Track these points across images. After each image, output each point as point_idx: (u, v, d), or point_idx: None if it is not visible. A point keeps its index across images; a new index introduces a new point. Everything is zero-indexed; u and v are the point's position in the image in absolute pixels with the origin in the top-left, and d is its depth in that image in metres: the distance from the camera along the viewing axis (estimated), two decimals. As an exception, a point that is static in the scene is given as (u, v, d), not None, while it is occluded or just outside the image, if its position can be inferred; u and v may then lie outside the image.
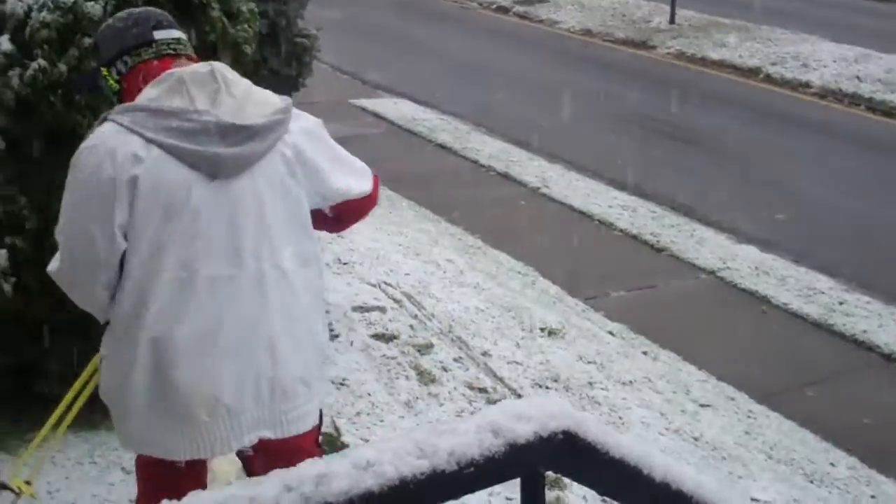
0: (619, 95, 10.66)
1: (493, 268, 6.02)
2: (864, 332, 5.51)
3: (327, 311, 2.43)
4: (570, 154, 8.46)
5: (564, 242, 6.64)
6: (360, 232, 6.25)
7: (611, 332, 5.25)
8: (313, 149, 2.29)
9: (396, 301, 5.18)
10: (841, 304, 5.84)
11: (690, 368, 4.99)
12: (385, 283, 5.39)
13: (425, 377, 4.45)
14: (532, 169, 8.09)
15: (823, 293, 5.96)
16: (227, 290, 2.15)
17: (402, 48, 12.50)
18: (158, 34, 2.31)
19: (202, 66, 2.22)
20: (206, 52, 3.57)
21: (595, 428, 0.77)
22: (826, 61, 11.76)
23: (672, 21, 13.82)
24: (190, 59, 2.33)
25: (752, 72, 11.75)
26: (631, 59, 12.62)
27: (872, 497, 4.14)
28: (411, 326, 4.91)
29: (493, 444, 0.74)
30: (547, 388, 4.42)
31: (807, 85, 11.15)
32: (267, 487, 0.63)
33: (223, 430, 2.19)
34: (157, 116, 2.13)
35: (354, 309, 4.95)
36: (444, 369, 4.54)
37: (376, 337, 4.75)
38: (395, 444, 0.71)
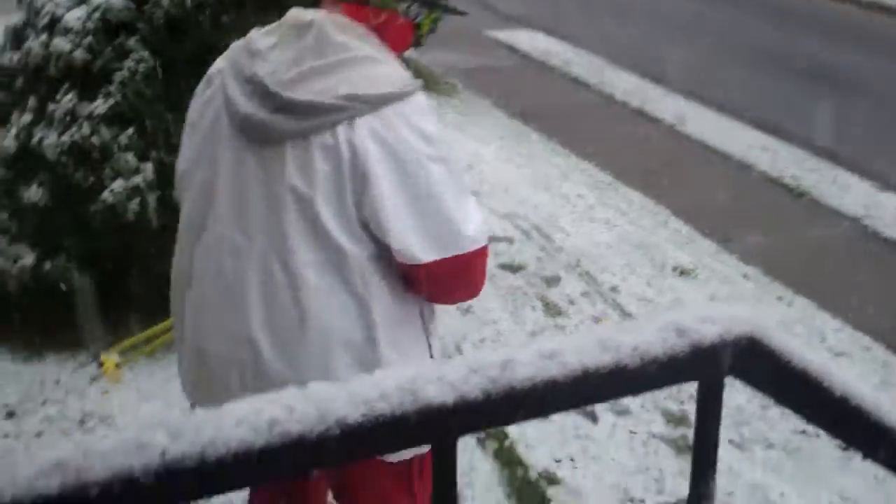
0: (758, 29, 10.26)
1: (625, 205, 5.92)
2: None
3: None
4: (707, 91, 8.21)
5: (699, 182, 6.47)
6: (488, 163, 6.24)
7: (745, 276, 5.11)
8: (385, 169, 1.75)
9: (525, 232, 5.16)
10: None
11: (825, 316, 4.83)
12: (514, 214, 5.38)
13: (552, 309, 4.43)
14: (667, 105, 7.89)
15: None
16: (227, 255, 1.86)
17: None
18: None
19: (310, 14, 1.84)
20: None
21: (779, 335, 0.75)
22: None
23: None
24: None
25: (908, 11, 11.14)
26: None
27: None
28: (539, 259, 4.89)
29: (678, 344, 0.73)
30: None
31: (968, 27, 10.51)
32: (452, 368, 0.64)
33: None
34: (234, 50, 1.93)
35: (484, 238, 4.96)
36: (571, 302, 4.52)
37: (503, 267, 4.75)
38: (578, 338, 0.70)
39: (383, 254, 1.82)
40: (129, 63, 3.65)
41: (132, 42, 3.67)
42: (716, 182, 6.47)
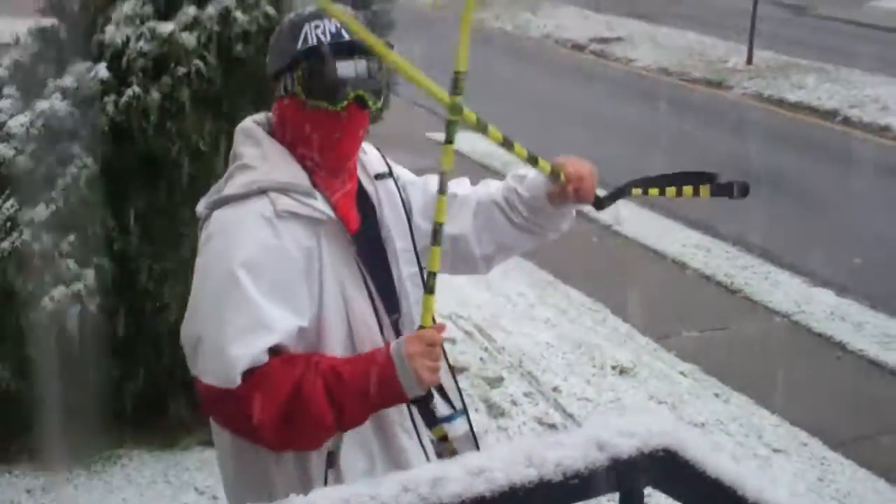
0: (695, 135, 10.62)
1: (565, 303, 6.02)
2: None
3: None
4: (643, 192, 8.43)
5: (636, 280, 6.61)
6: (432, 263, 6.32)
7: (682, 373, 5.20)
8: None
9: (467, 333, 5.21)
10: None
11: (763, 412, 4.92)
12: (456, 314, 5.43)
13: (494, 410, 4.46)
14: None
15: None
16: None
17: (479, 83, 12.53)
18: None
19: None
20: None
21: (695, 446, 0.80)
22: (907, 105, 11.58)
23: (749, 62, 13.73)
24: None
25: (830, 114, 11.60)
26: (707, 98, 12.56)
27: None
28: (481, 359, 4.94)
29: (598, 458, 0.77)
30: (617, 425, 4.40)
31: (886, 129, 10.96)
32: (386, 487, 0.67)
33: None
34: None
35: (426, 339, 4.99)
36: (514, 403, 4.55)
37: (447, 368, 4.78)
38: (504, 452, 0.75)
39: None
40: (71, 169, 3.68)
41: (76, 148, 3.70)
42: (652, 280, 6.62)
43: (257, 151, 1.93)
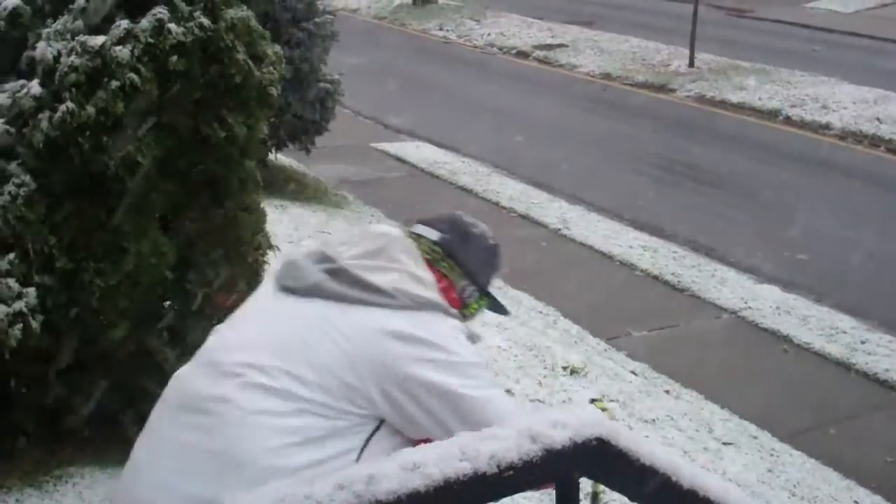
0: (640, 138, 10.74)
1: (515, 307, 6.03)
2: (887, 370, 5.51)
3: None
4: (590, 195, 8.52)
5: (585, 283, 6.66)
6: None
7: (633, 372, 5.25)
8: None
9: (419, 340, 5.21)
10: (863, 343, 5.83)
11: (713, 407, 4.98)
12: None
13: (448, 415, 4.46)
14: (553, 210, 8.14)
15: (845, 332, 5.95)
16: None
17: (424, 93, 12.65)
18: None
19: (383, 230, 2.14)
20: (229, 93, 3.65)
21: (627, 436, 0.80)
22: (845, 103, 11.82)
23: (691, 64, 13.92)
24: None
25: (772, 114, 11.81)
26: (651, 102, 12.71)
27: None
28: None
29: (531, 450, 0.78)
30: (570, 426, 4.43)
31: (826, 126, 11.19)
32: (320, 487, 0.67)
33: None
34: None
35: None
36: (467, 407, 4.55)
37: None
38: (439, 448, 0.75)
39: None
40: (9, 188, 3.61)
41: (13, 167, 3.64)
42: (601, 282, 6.68)
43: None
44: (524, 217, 8.02)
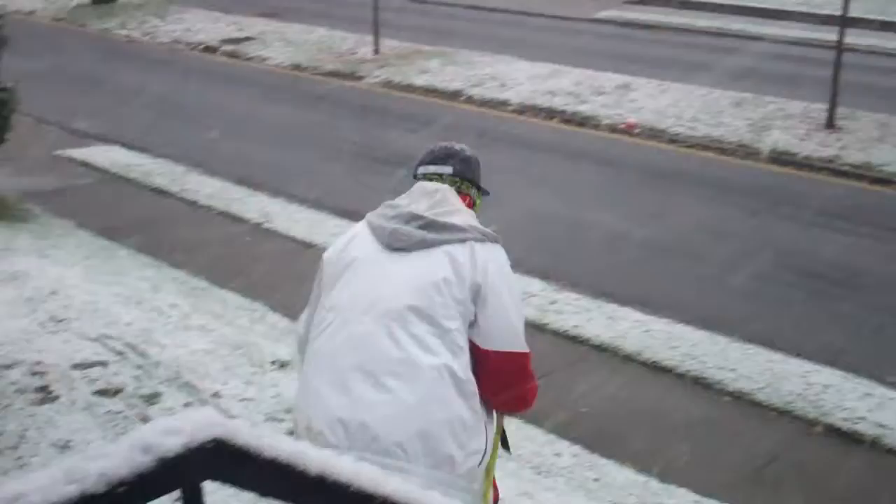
0: (332, 126, 10.88)
1: (220, 307, 5.96)
2: (576, 326, 5.95)
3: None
4: (290, 187, 8.54)
5: (290, 274, 6.67)
6: (74, 286, 6.01)
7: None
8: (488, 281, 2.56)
9: (119, 353, 5.02)
10: (552, 303, 6.26)
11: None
12: (105, 335, 5.21)
13: (156, 427, 4.33)
14: (253, 205, 8.09)
15: (536, 295, 6.37)
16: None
17: (111, 95, 12.10)
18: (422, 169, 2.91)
19: (433, 185, 2.77)
20: None
21: (246, 433, 0.83)
22: (521, 79, 12.58)
23: (376, 52, 14.25)
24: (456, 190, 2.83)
25: (456, 94, 12.34)
26: (340, 90, 12.89)
27: (595, 479, 4.47)
28: (136, 377, 4.78)
29: (143, 462, 0.79)
30: (281, 420, 4.45)
31: (505, 103, 11.86)
32: None
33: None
34: (385, 207, 2.71)
35: (74, 367, 4.75)
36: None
37: (100, 393, 4.58)
38: (43, 475, 0.74)
39: None
40: None
41: None
42: (306, 272, 6.67)
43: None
44: (224, 214, 7.91)
